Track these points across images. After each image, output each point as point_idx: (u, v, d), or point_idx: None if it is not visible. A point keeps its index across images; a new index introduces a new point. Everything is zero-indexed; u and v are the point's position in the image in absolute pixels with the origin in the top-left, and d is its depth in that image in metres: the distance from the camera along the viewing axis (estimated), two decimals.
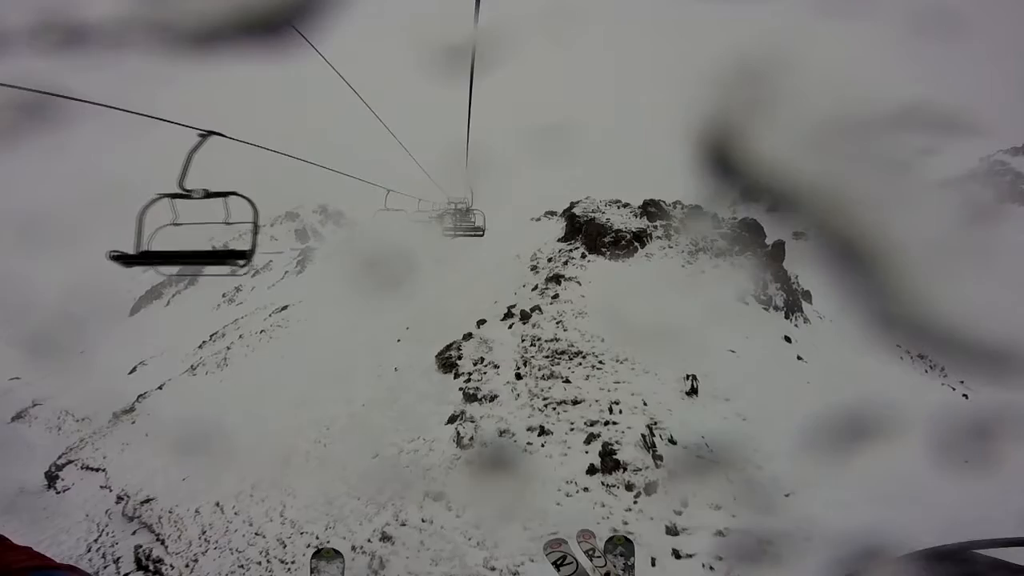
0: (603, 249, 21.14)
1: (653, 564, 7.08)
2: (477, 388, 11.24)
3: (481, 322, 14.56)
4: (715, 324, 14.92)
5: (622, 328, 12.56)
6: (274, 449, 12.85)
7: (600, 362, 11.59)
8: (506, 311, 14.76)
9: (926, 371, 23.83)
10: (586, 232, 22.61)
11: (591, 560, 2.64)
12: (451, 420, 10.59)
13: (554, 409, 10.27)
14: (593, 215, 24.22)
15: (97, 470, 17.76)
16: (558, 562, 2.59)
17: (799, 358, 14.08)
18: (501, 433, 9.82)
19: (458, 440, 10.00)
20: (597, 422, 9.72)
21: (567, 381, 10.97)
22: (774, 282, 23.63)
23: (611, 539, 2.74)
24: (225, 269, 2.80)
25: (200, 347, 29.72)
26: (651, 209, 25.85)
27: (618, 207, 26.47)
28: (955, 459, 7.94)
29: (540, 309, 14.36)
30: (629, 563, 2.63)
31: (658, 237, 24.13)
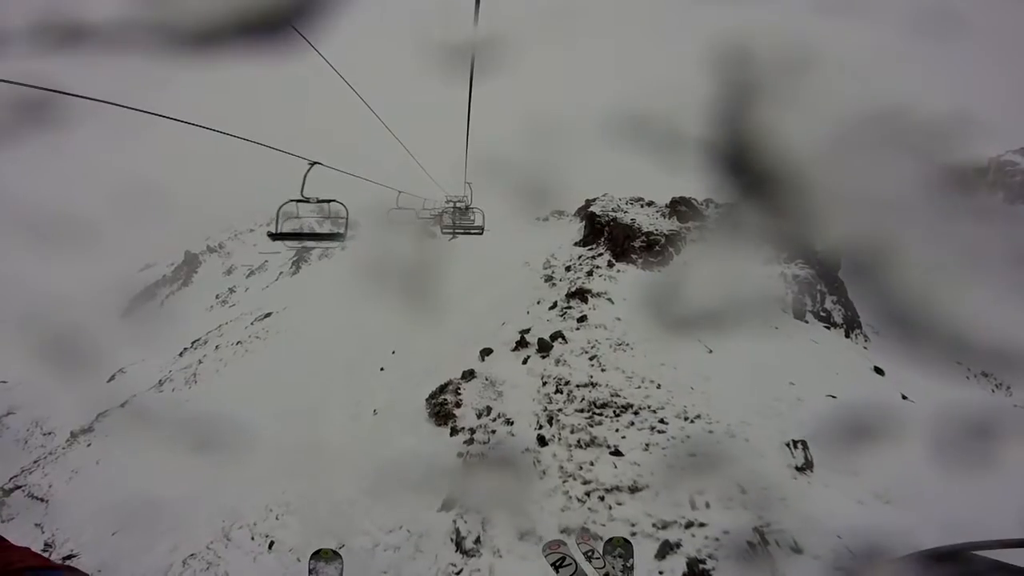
0: (633, 256, 17.82)
1: None
2: (483, 455, 8.00)
3: (486, 352, 11.17)
4: (789, 354, 11.69)
5: (681, 366, 9.28)
6: (214, 519, 9.81)
7: (661, 421, 8.02)
8: (518, 338, 11.38)
9: (993, 391, 21.04)
10: (610, 235, 19.28)
11: (590, 561, 2.50)
12: (446, 507, 7.37)
13: (602, 499, 6.69)
14: (615, 215, 20.92)
15: (41, 500, 15.30)
16: (557, 563, 2.46)
17: (904, 397, 10.77)
18: (521, 536, 6.61)
19: (458, 543, 6.80)
20: (673, 523, 6.27)
21: (617, 453, 7.54)
22: (830, 295, 20.32)
23: (611, 540, 2.61)
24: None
25: (180, 355, 27.74)
26: (681, 208, 22.52)
27: (641, 205, 23.17)
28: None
29: (564, 337, 11.00)
30: (628, 564, 2.49)
31: (692, 240, 20.85)
